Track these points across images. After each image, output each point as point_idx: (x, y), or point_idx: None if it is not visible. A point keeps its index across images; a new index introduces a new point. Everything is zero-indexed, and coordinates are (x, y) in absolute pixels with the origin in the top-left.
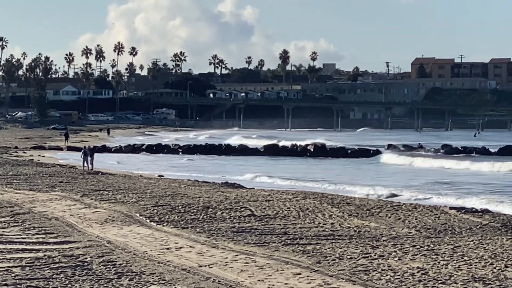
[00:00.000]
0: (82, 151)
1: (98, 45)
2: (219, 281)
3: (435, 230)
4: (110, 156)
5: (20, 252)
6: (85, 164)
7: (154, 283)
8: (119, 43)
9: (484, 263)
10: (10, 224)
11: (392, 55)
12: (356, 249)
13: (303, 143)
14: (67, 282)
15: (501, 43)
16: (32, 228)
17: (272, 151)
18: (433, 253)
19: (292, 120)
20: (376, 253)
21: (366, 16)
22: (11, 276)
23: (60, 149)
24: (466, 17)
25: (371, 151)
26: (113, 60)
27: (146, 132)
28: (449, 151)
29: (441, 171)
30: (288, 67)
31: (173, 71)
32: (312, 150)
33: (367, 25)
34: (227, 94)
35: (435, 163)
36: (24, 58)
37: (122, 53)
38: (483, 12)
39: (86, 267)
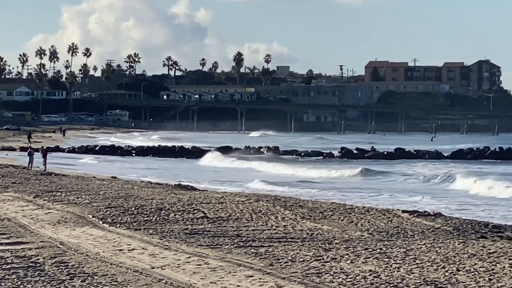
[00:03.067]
0: (28, 151)
1: (52, 46)
2: (171, 283)
3: (387, 233)
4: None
5: None
6: (30, 164)
7: (106, 284)
8: (73, 44)
9: (436, 266)
10: None
11: (346, 58)
12: (308, 252)
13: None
14: (19, 283)
15: (455, 47)
16: None
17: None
18: (386, 256)
19: (245, 123)
20: (328, 256)
21: (319, 19)
22: None
23: (13, 149)
24: (420, 21)
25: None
26: (67, 61)
27: (92, 135)
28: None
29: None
30: (242, 70)
31: (127, 72)
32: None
33: (321, 28)
34: (181, 96)
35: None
36: None
37: (76, 54)
38: (436, 16)
39: (38, 268)
